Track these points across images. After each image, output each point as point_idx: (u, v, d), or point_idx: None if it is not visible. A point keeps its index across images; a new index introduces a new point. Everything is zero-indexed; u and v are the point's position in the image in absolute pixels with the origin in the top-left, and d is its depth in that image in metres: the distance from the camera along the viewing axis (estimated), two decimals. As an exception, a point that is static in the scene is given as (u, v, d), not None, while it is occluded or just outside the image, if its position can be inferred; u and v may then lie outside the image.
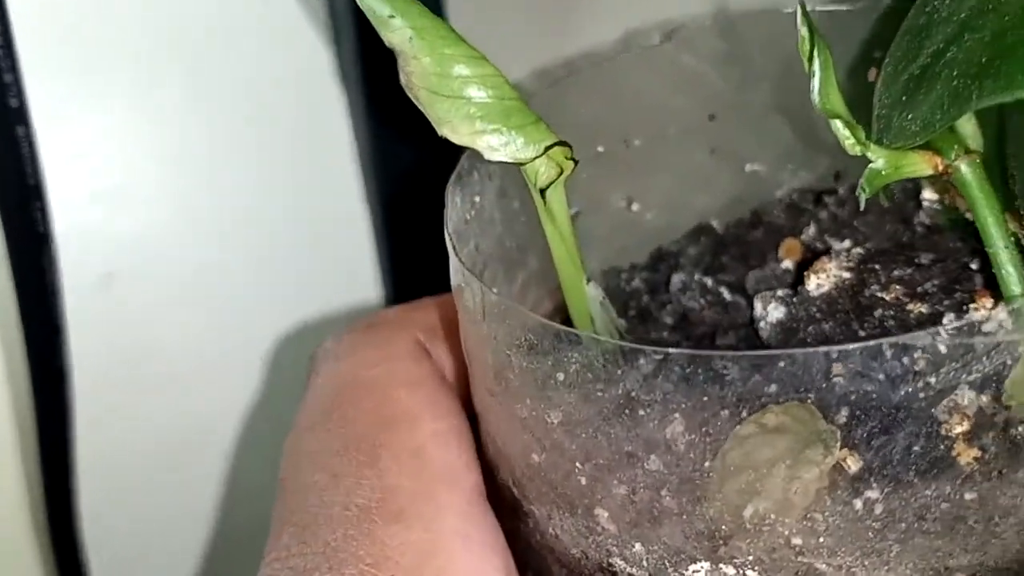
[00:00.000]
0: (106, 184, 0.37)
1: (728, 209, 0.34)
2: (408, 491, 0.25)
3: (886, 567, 0.21)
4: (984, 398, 0.20)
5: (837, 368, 0.20)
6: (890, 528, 0.21)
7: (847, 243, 0.30)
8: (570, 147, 0.25)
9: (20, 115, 0.32)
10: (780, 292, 0.28)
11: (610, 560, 0.23)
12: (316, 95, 0.40)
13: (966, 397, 0.20)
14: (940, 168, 0.24)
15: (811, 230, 0.31)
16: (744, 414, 0.20)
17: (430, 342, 0.29)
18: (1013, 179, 0.25)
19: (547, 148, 0.25)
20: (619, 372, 0.21)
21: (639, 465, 0.22)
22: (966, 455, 0.21)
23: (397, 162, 0.39)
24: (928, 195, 0.29)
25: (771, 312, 0.28)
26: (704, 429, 0.21)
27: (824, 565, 0.21)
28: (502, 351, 0.24)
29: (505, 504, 0.26)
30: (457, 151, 0.27)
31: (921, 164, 0.24)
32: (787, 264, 0.30)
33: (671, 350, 0.20)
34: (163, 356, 0.40)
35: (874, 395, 0.20)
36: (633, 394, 0.21)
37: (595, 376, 0.22)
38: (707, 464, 0.21)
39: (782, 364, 0.20)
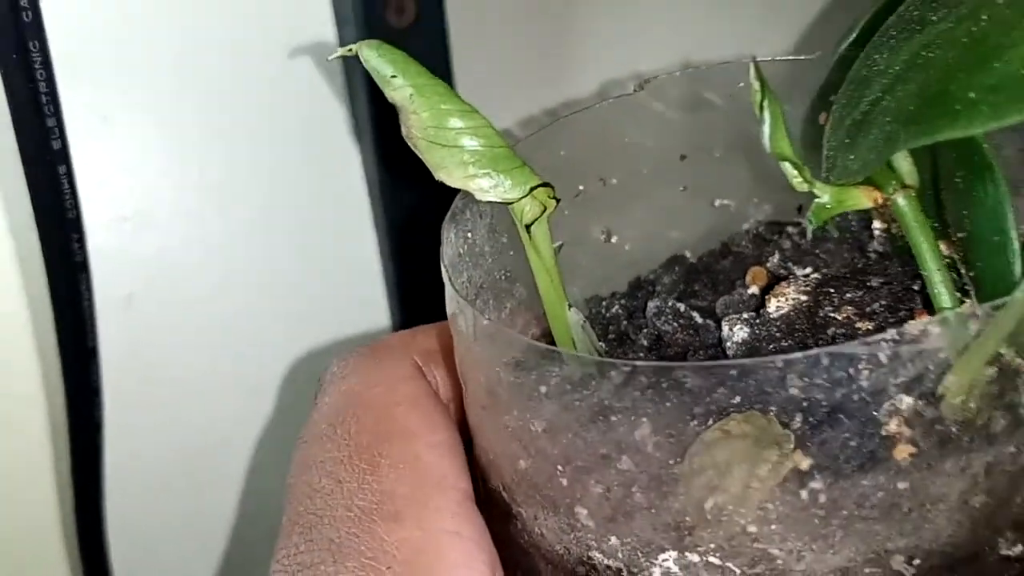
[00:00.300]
0: (127, 210, 0.40)
1: (700, 241, 0.36)
2: (405, 495, 0.28)
3: (832, 550, 0.24)
4: (913, 398, 0.23)
5: (783, 374, 0.23)
6: (833, 515, 0.23)
7: (808, 270, 0.33)
8: (552, 187, 0.28)
9: (62, 155, 0.34)
10: (745, 315, 0.31)
11: (589, 554, 0.26)
12: (331, 133, 0.42)
13: (898, 396, 0.23)
14: (880, 201, 0.27)
15: (775, 258, 0.34)
16: (701, 414, 0.23)
17: (427, 365, 0.32)
18: (946, 210, 0.28)
19: (532, 189, 0.27)
20: (593, 383, 0.24)
21: (613, 466, 0.24)
22: (901, 452, 0.24)
23: (404, 199, 0.42)
24: (878, 225, 0.32)
25: (736, 333, 0.30)
26: (668, 431, 0.24)
27: (777, 550, 0.24)
28: (492, 369, 0.26)
29: (497, 509, 0.29)
30: (457, 191, 0.30)
31: (862, 198, 0.27)
32: (753, 289, 0.33)
33: (638, 363, 0.23)
34: (184, 374, 0.42)
35: (814, 397, 0.23)
36: (606, 402, 0.24)
37: (573, 387, 0.24)
38: (672, 462, 0.24)
39: (733, 372, 0.23)
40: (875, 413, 0.23)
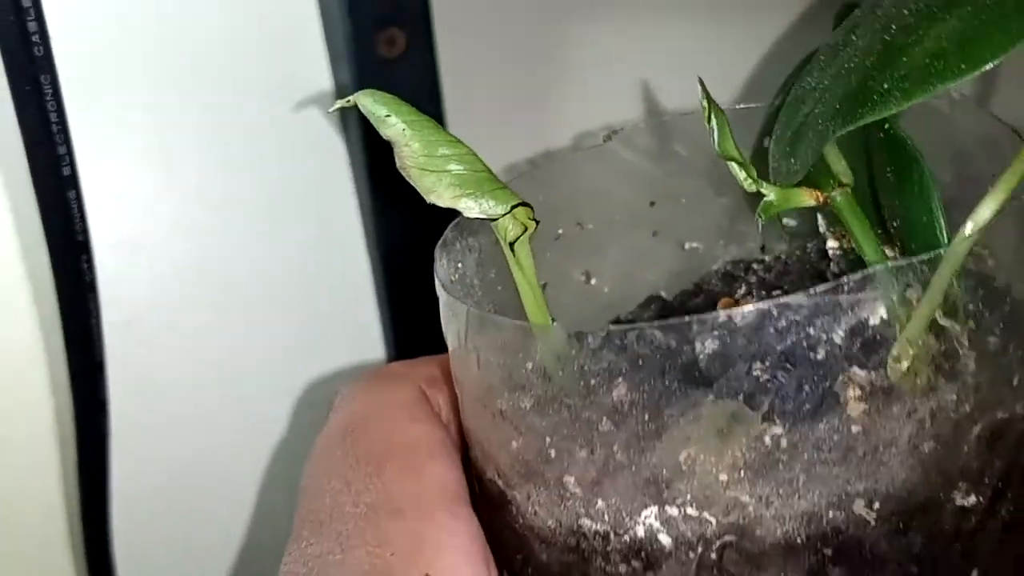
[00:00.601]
0: (127, 232, 0.42)
1: (673, 280, 0.39)
2: (407, 493, 0.30)
3: (797, 495, 0.26)
4: (858, 345, 0.26)
5: (736, 326, 0.26)
6: (795, 459, 0.26)
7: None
8: (532, 208, 0.31)
9: (72, 182, 0.36)
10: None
11: (579, 522, 0.28)
12: (326, 163, 0.45)
13: (844, 343, 0.26)
14: (820, 199, 0.30)
15: (743, 291, 0.37)
16: (670, 369, 0.26)
17: (431, 391, 0.34)
18: (883, 206, 0.31)
19: (513, 207, 0.31)
20: (572, 352, 0.27)
21: (595, 428, 0.27)
22: (855, 408, 0.26)
23: (396, 227, 0.45)
24: (831, 244, 0.35)
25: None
26: (642, 388, 0.26)
27: (747, 497, 0.26)
28: (484, 358, 0.29)
29: (493, 499, 0.31)
30: (446, 221, 0.33)
31: (805, 196, 0.30)
32: (723, 318, 0.36)
33: (611, 327, 0.26)
34: (181, 394, 0.45)
35: (767, 346, 0.25)
36: (585, 367, 0.27)
37: (555, 358, 0.27)
38: (647, 417, 0.26)
39: (695, 327, 0.26)
40: (824, 361, 0.26)
